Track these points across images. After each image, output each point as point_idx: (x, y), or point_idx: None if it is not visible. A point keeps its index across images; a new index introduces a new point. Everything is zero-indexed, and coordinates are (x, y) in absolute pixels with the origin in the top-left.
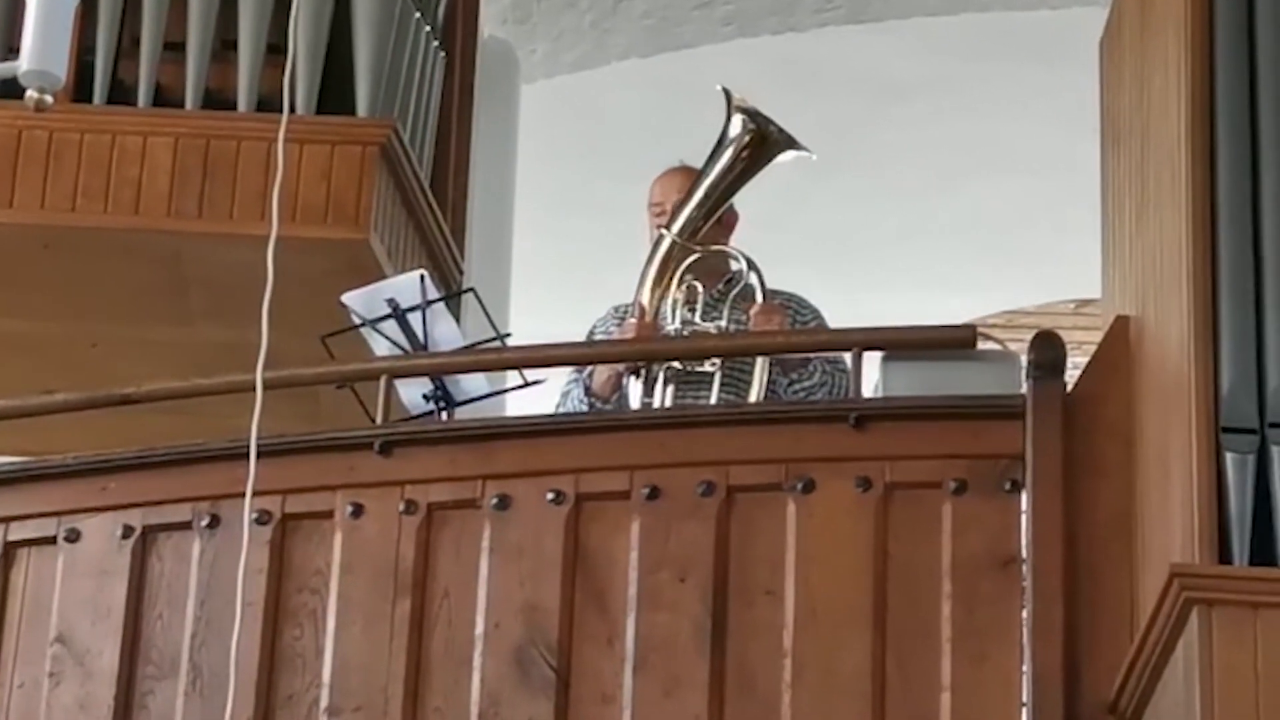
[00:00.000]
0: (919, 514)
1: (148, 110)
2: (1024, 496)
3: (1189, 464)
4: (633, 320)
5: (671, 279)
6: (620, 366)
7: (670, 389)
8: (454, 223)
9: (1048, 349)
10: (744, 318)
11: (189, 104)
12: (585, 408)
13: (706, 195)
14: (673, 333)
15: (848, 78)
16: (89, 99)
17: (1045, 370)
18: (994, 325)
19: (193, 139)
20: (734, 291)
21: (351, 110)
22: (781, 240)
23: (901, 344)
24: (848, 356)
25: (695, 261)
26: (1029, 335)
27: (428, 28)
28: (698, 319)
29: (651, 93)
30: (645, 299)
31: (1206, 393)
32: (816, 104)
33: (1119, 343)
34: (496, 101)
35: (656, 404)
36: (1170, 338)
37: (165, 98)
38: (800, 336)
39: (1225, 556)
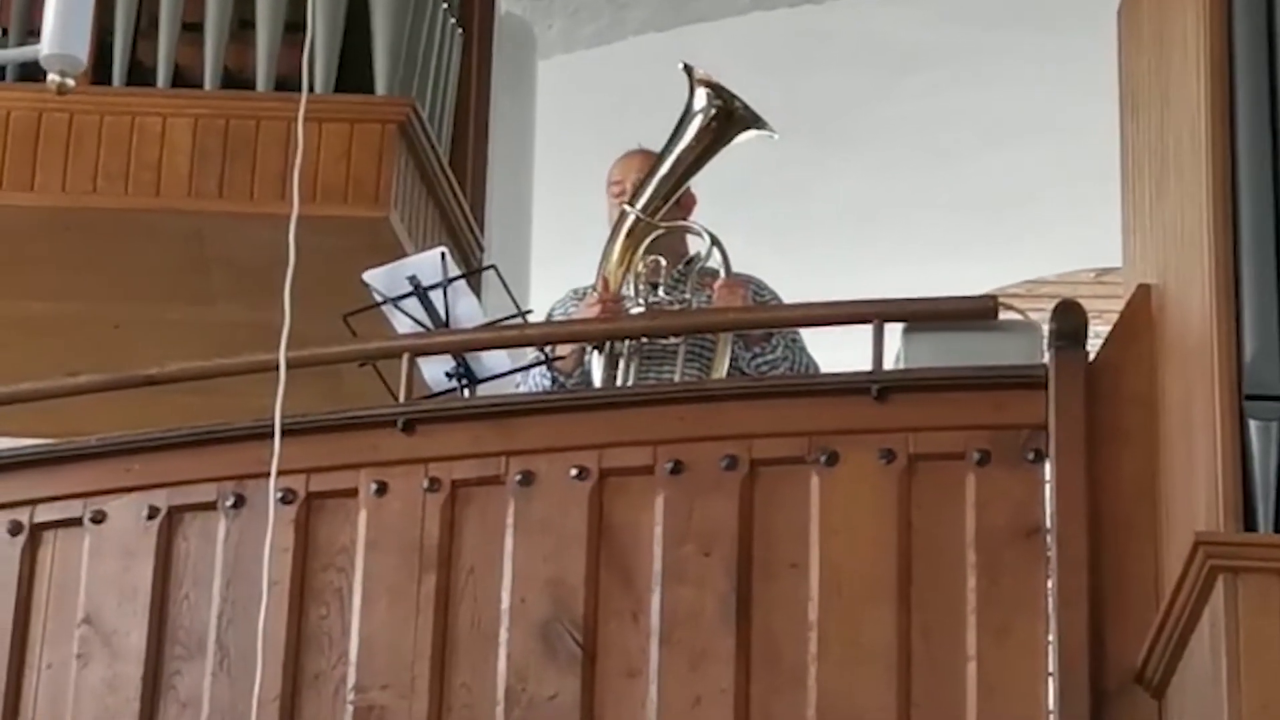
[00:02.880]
0: (942, 485)
1: (167, 91)
2: (1047, 466)
3: (1212, 432)
4: (595, 295)
5: (634, 255)
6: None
7: (633, 364)
8: (474, 200)
9: (1069, 318)
10: (708, 294)
11: (208, 84)
12: (549, 384)
13: (670, 172)
14: (635, 310)
15: (866, 49)
16: (108, 80)
17: (1067, 339)
18: (1015, 295)
19: (212, 119)
20: (697, 268)
21: (370, 89)
22: (800, 213)
23: (922, 315)
24: (804, 333)
25: (657, 239)
26: (1050, 305)
27: (445, 5)
28: (662, 295)
29: (669, 67)
30: (609, 275)
31: (1229, 360)
32: (834, 75)
33: (1141, 311)
34: (514, 78)
35: (620, 381)
36: (1192, 305)
37: (184, 78)
38: (821, 309)
39: (1250, 524)
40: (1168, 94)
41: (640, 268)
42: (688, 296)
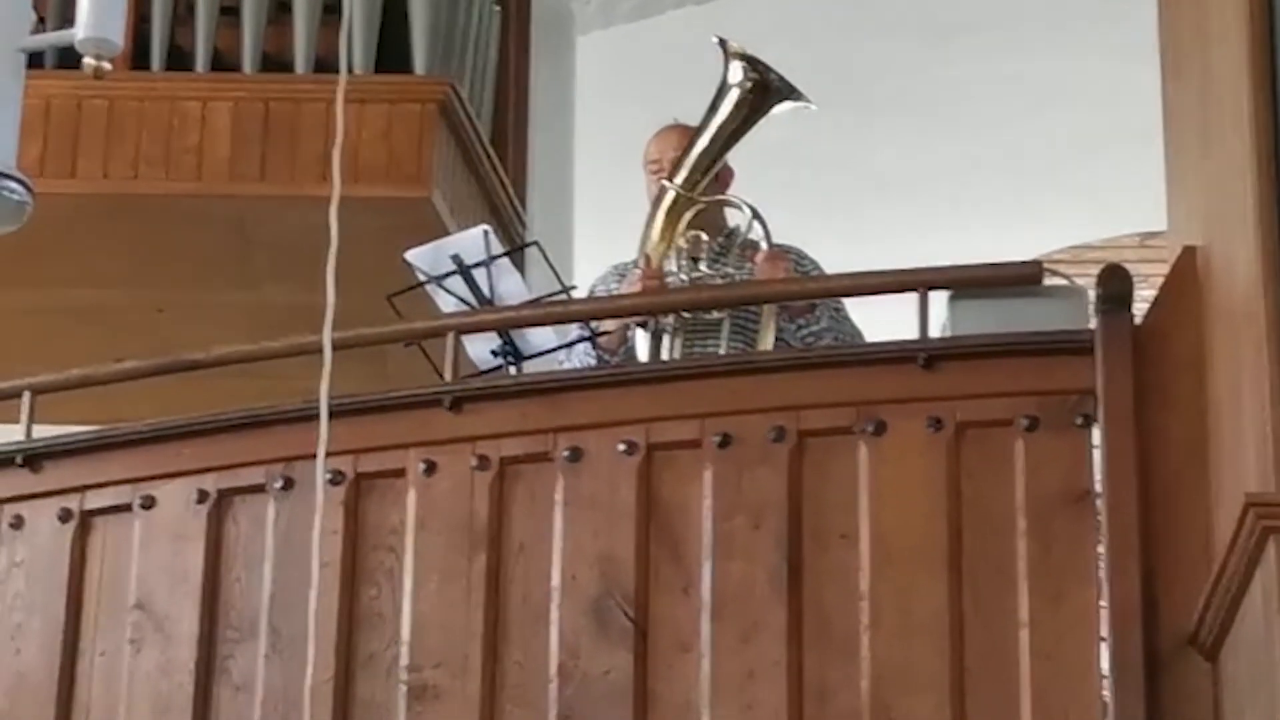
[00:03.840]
0: (991, 452)
1: (206, 75)
2: (1096, 431)
3: (1261, 392)
4: (639, 271)
5: (675, 231)
6: (628, 319)
7: (678, 340)
8: (515, 177)
9: (1115, 282)
10: (750, 266)
11: (246, 67)
12: (593, 362)
13: (708, 146)
14: (679, 284)
15: (906, 16)
16: (147, 66)
17: (1113, 303)
18: (1059, 261)
19: (251, 103)
20: (739, 241)
21: (409, 69)
22: (844, 182)
23: (967, 282)
24: (849, 303)
25: (698, 214)
26: (1095, 270)
27: None
28: (704, 269)
29: (708, 40)
30: (650, 251)
31: (1276, 319)
32: (876, 43)
33: (1186, 274)
34: (553, 55)
35: (665, 356)
36: (1238, 267)
37: (223, 62)
38: (867, 278)
39: None
40: (1209, 54)
41: (681, 243)
42: (730, 270)
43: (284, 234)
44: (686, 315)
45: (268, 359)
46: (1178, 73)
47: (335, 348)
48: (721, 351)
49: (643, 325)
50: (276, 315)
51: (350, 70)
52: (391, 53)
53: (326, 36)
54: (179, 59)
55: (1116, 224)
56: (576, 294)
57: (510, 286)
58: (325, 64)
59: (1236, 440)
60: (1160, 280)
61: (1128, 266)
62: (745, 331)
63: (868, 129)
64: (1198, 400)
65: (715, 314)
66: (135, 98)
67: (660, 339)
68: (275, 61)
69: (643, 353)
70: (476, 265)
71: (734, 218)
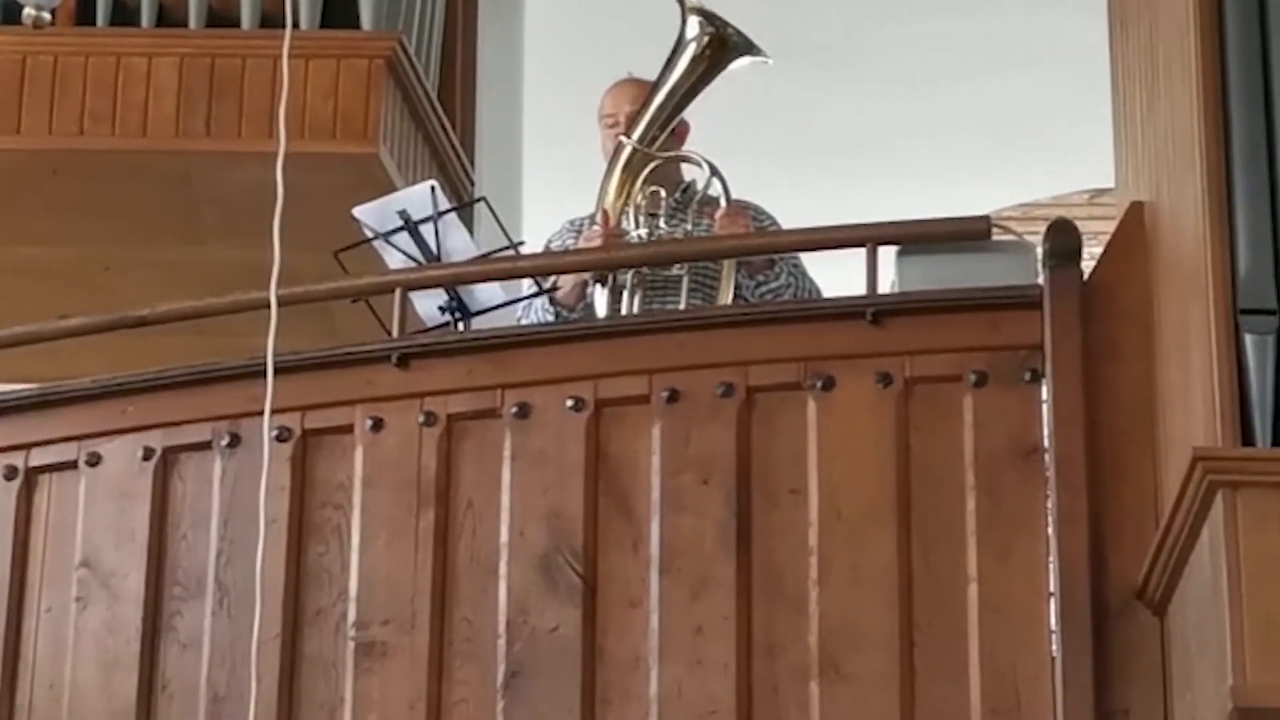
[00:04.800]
0: (940, 408)
1: (151, 30)
2: (1044, 386)
3: (1208, 347)
4: (597, 228)
5: (632, 187)
6: (586, 275)
7: (637, 296)
8: (463, 133)
9: (1063, 237)
10: (708, 222)
11: (192, 23)
12: (551, 318)
13: (665, 101)
14: (637, 240)
15: None
16: (92, 21)
17: (1061, 259)
18: (1010, 218)
19: (197, 58)
20: (696, 197)
21: (356, 24)
22: (798, 138)
23: (916, 238)
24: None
25: (654, 169)
26: (1045, 226)
27: None
28: (662, 225)
29: None
30: (608, 207)
31: (1223, 275)
32: (828, 1)
33: (1134, 229)
34: (501, 9)
35: (624, 312)
36: (1185, 222)
37: (168, 17)
38: (816, 234)
39: (1248, 439)
40: (1156, 10)
41: (639, 199)
42: (689, 227)
43: (230, 190)
44: (645, 271)
45: (214, 315)
46: (1125, 29)
47: (282, 304)
48: (681, 307)
49: (601, 281)
50: (223, 272)
51: (296, 26)
52: (338, 8)
53: None
54: (124, 14)
55: (1067, 180)
56: (526, 249)
57: (457, 242)
58: (271, 19)
59: (1184, 395)
60: (1109, 237)
61: (1077, 223)
62: (704, 288)
63: (819, 86)
64: (1145, 355)
65: (675, 270)
66: (80, 53)
67: (619, 295)
68: (221, 17)
69: (601, 309)
70: (424, 221)
71: (690, 172)
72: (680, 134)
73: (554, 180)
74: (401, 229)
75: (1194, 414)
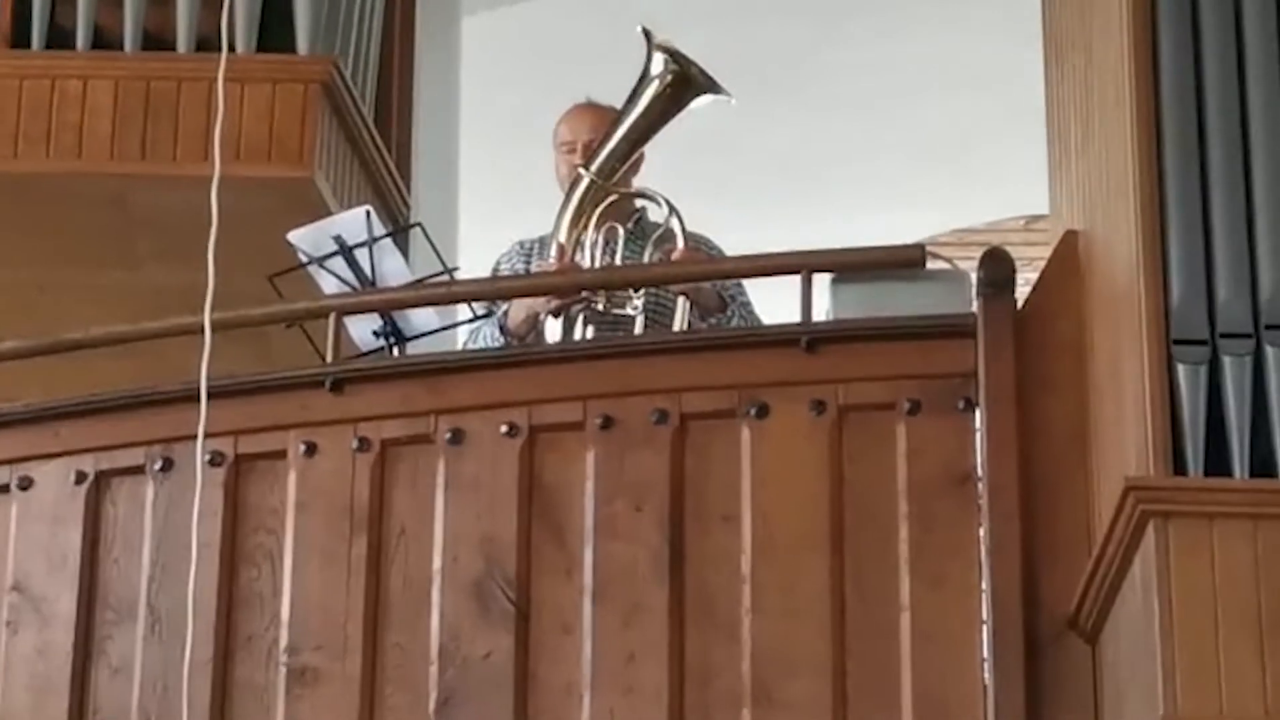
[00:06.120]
0: (873, 435)
1: (87, 53)
2: (978, 415)
3: (1141, 377)
4: (552, 261)
5: (588, 220)
6: (541, 305)
7: (590, 330)
8: (399, 158)
9: (997, 266)
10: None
11: (128, 46)
12: (498, 345)
13: (626, 136)
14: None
15: None
16: (27, 44)
17: (995, 287)
18: (945, 244)
19: (133, 81)
20: (654, 233)
21: (292, 48)
22: (732, 163)
23: (850, 265)
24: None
25: (612, 203)
26: (980, 253)
27: None
28: (618, 260)
29: (594, 20)
30: (563, 239)
31: (1157, 305)
32: (765, 25)
33: (1068, 258)
34: (438, 34)
35: None
36: (1119, 251)
37: (104, 40)
38: (751, 261)
39: (1180, 468)
40: (1091, 40)
41: (596, 236)
42: (646, 261)
43: (165, 213)
44: (599, 309)
45: (149, 339)
46: (1061, 58)
47: (216, 328)
48: None
49: (555, 314)
50: (158, 295)
51: (232, 49)
52: (274, 31)
53: (208, 15)
54: (60, 37)
55: (1004, 207)
56: (462, 274)
57: (392, 267)
58: (207, 43)
59: (1117, 424)
60: (1044, 264)
61: (1013, 250)
62: (657, 326)
63: (759, 111)
64: (1078, 384)
65: (630, 309)
66: (15, 75)
67: (571, 329)
68: (157, 40)
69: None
70: (358, 246)
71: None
72: (636, 165)
73: (489, 206)
74: (336, 253)
75: (1126, 443)
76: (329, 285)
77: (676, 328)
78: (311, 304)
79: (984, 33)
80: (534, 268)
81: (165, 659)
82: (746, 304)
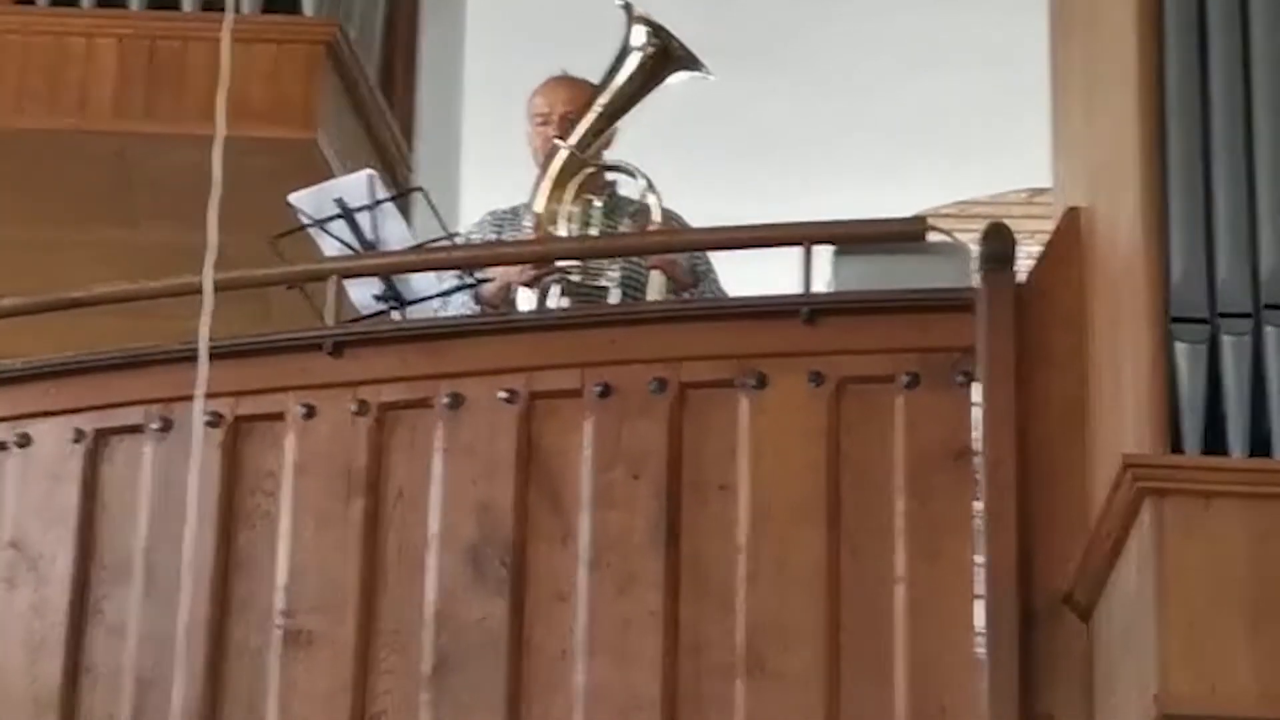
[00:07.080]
0: (871, 408)
1: (92, 11)
2: (976, 389)
3: (1140, 354)
4: (529, 231)
5: (564, 193)
6: (514, 275)
7: (565, 302)
8: (402, 122)
9: (998, 241)
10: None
11: (133, 4)
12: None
13: (605, 109)
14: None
15: None
16: (31, 0)
17: (996, 262)
18: (947, 216)
19: (138, 39)
20: (629, 208)
21: (298, 9)
22: (732, 137)
23: (852, 238)
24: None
25: (589, 176)
26: (982, 225)
27: None
28: (595, 233)
29: None
30: (539, 209)
31: (1157, 283)
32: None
33: (1070, 234)
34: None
35: None
36: (1121, 229)
37: None
38: (751, 232)
39: (1177, 446)
40: (1097, 20)
41: (573, 209)
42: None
43: (168, 173)
44: (574, 280)
45: (148, 298)
46: (1066, 33)
47: (216, 289)
48: None
49: (529, 285)
50: (158, 254)
51: (238, 9)
52: None
53: None
54: None
55: (1006, 179)
56: (459, 240)
57: (394, 231)
58: (213, 2)
59: (1115, 401)
60: (1047, 237)
61: (1015, 223)
62: (630, 300)
63: (754, 86)
64: (1078, 360)
65: (604, 281)
66: (18, 31)
67: (544, 301)
68: None
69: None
70: (360, 209)
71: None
72: (610, 138)
73: (490, 173)
74: (338, 216)
75: (1124, 420)
76: (330, 248)
77: (651, 299)
78: (312, 266)
79: (983, 5)
80: (506, 238)
81: (161, 619)
82: (715, 280)
